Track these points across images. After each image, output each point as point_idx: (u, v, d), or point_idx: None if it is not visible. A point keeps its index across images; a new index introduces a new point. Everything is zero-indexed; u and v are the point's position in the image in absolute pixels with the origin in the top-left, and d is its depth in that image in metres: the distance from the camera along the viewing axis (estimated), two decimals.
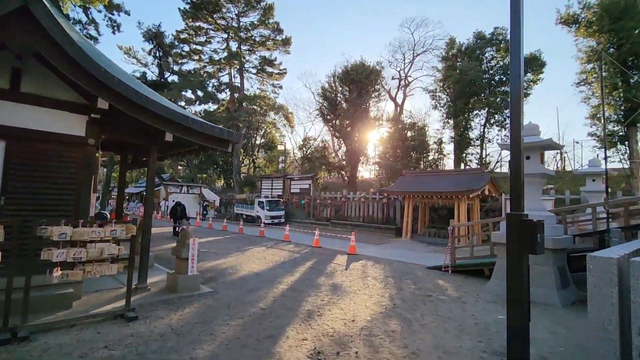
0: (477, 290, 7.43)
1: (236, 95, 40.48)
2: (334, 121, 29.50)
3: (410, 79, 32.13)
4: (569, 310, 6.19)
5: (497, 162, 23.73)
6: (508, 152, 8.06)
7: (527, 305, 3.54)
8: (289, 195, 28.43)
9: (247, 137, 39.99)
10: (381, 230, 21.82)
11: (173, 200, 27.84)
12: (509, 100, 20.77)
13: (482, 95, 21.85)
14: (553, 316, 5.79)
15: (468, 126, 22.83)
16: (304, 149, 34.96)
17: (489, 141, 23.04)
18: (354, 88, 27.70)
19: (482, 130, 22.79)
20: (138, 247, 7.86)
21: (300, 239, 16.46)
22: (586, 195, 12.32)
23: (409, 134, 24.32)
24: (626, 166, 19.39)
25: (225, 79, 42.02)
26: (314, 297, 6.47)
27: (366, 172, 34.40)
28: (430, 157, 24.78)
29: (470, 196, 16.77)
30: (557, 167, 24.59)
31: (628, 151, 18.82)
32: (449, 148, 24.79)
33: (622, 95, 17.98)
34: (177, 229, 15.50)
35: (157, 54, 38.99)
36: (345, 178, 30.79)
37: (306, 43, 78.37)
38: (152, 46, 38.35)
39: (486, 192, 17.42)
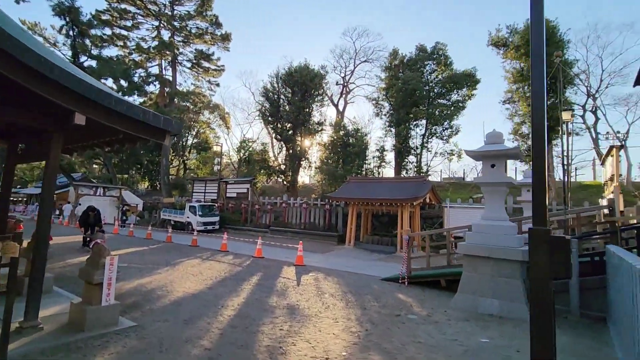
0: (442, 306, 6.96)
1: (167, 89, 37.01)
2: (275, 123, 28.30)
3: (352, 87, 32.47)
4: None
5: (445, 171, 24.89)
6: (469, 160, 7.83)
7: (553, 337, 2.94)
8: (225, 200, 26.38)
9: (177, 136, 36.63)
10: (323, 238, 21.18)
11: (80, 204, 23.93)
12: (447, 112, 21.41)
13: (422, 106, 22.71)
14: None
15: (409, 135, 23.54)
16: (242, 151, 33.03)
17: (429, 151, 24.06)
18: (297, 90, 26.89)
19: (422, 139, 23.67)
20: (28, 267, 5.92)
21: (239, 248, 14.93)
22: (522, 204, 13.02)
23: (351, 140, 24.22)
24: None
25: (154, 70, 38.23)
26: (270, 326, 5.32)
27: (307, 177, 33.77)
28: (372, 165, 24.99)
29: (414, 204, 16.98)
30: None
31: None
32: (390, 156, 25.37)
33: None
34: (87, 240, 12.89)
35: (71, 33, 33.79)
36: (286, 183, 29.72)
37: (247, 41, 75.85)
38: (64, 23, 33.10)
39: (427, 200, 17.86)
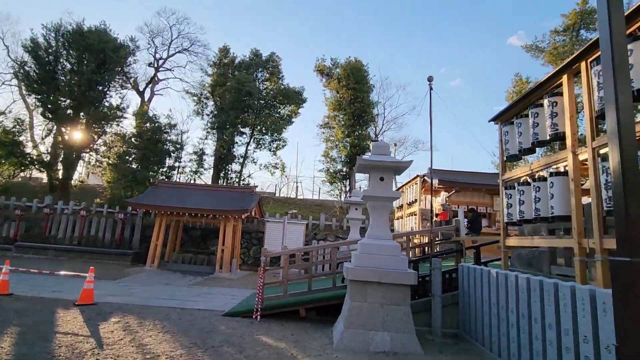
0: (325, 347, 5.49)
1: None
2: (46, 95, 19.94)
3: (163, 76, 27.56)
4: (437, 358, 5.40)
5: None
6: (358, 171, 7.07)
7: None
8: None
9: None
10: (111, 257, 15.94)
11: None
12: (275, 125, 20.84)
13: (252, 112, 21.43)
14: None
15: (234, 142, 21.60)
16: None
17: (254, 161, 22.78)
18: (90, 58, 20.05)
19: (245, 148, 22.20)
20: None
21: None
22: (350, 222, 13.57)
23: (164, 136, 19.96)
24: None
25: None
26: None
27: (92, 175, 25.48)
28: (188, 169, 21.38)
29: (243, 217, 15.13)
30: (295, 194, 27.81)
31: (348, 186, 23.76)
32: (210, 161, 22.42)
33: (350, 141, 22.69)
34: None
35: None
36: (53, 181, 21.31)
37: None
38: None
39: (253, 214, 16.41)
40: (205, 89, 23.52)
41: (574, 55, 4.75)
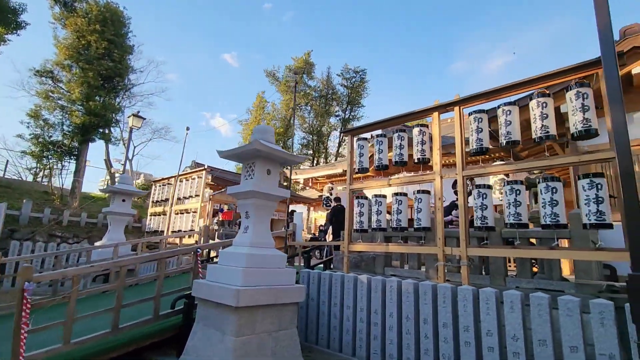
0: None
1: None
2: None
3: None
4: None
5: None
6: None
7: None
8: None
9: None
10: None
11: None
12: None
13: None
14: None
15: None
16: None
17: None
18: None
19: None
20: None
21: None
22: (111, 217, 9.90)
23: None
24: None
25: None
26: None
27: None
28: None
29: None
30: None
31: (76, 167, 17.32)
32: None
33: (89, 107, 16.68)
34: None
35: None
36: None
37: None
38: None
39: None
40: None
41: (451, 100, 5.85)
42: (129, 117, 14.50)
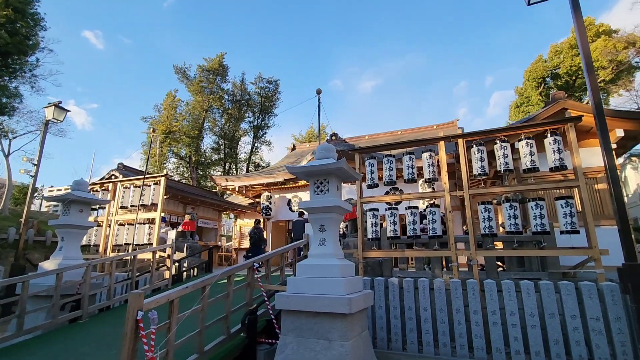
0: None
1: None
2: None
3: None
4: None
5: None
6: None
7: None
8: None
9: None
10: None
11: None
12: None
13: None
14: None
15: None
16: None
17: None
18: None
19: None
20: None
21: None
22: (64, 231, 8.27)
23: None
24: None
25: None
26: None
27: None
28: None
29: None
30: None
31: None
32: None
33: None
34: None
35: None
36: None
37: None
38: None
39: None
40: None
41: (454, 134, 7.36)
42: (44, 107, 11.95)
